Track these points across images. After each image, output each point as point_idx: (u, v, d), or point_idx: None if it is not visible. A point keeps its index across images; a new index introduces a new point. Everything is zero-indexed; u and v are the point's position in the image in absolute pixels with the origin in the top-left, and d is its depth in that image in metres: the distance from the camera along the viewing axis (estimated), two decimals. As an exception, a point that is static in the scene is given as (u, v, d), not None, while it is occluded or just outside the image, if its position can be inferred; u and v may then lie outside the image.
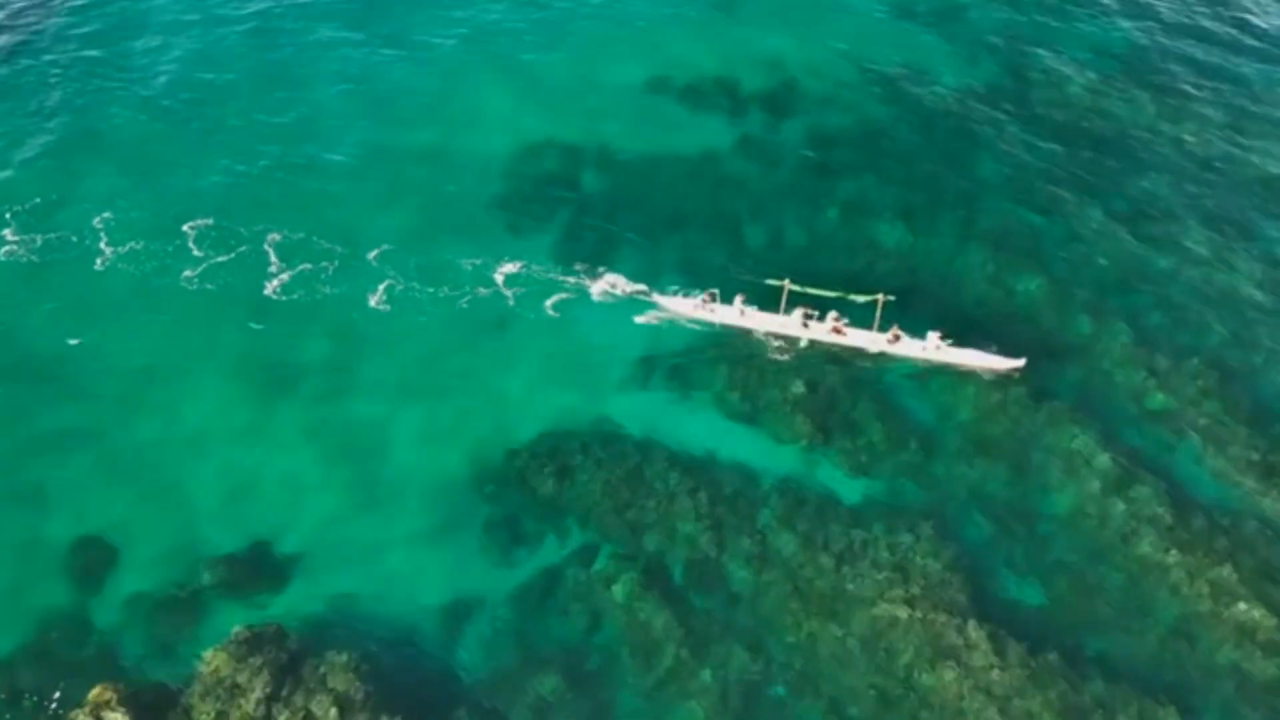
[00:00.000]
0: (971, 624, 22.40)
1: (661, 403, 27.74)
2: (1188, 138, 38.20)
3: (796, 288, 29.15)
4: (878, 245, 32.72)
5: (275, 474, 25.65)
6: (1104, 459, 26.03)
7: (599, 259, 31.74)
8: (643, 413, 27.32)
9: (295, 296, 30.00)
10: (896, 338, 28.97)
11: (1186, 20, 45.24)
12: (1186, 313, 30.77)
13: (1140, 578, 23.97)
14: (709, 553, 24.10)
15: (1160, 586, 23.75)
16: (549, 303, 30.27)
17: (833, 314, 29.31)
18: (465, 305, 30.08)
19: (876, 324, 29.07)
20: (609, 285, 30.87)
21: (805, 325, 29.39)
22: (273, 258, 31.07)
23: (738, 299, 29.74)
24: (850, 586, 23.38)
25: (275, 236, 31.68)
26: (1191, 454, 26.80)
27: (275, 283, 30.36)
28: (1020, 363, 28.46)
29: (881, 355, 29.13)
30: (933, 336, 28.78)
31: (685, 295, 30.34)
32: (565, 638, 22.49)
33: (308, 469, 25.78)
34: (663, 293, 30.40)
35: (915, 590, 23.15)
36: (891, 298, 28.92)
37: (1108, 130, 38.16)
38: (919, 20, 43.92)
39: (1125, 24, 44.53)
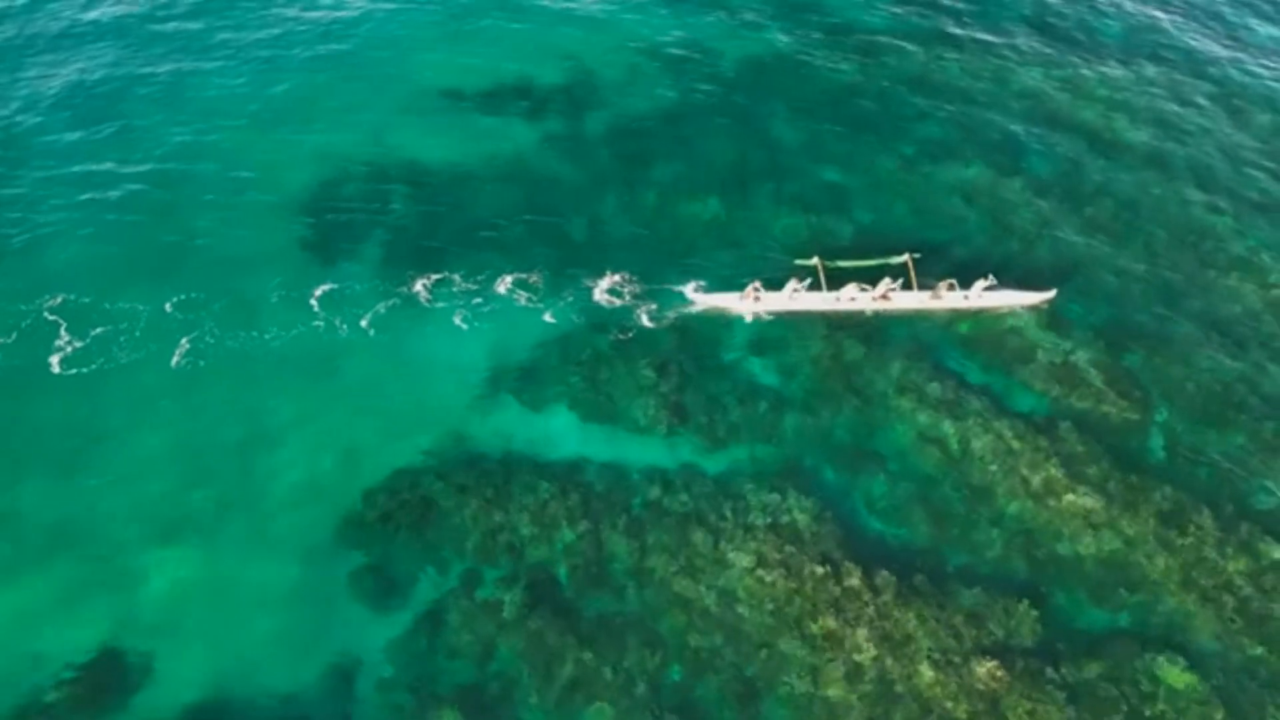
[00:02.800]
0: (845, 568, 23.70)
1: (517, 412, 27.37)
2: (956, 78, 41.27)
3: (829, 263, 29.88)
4: (698, 223, 33.54)
5: (105, 568, 23.43)
6: (932, 388, 28.00)
7: (423, 269, 30.81)
8: (500, 426, 26.88)
9: (90, 369, 27.34)
10: (940, 294, 30.13)
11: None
12: (980, 242, 33.39)
13: (980, 490, 25.97)
14: (590, 554, 24.16)
15: (998, 494, 25.83)
16: (377, 323, 29.12)
17: (886, 280, 30.06)
18: (282, 344, 28.35)
19: (915, 283, 30.16)
20: (430, 287, 29.96)
21: (854, 300, 30.01)
22: (61, 330, 28.20)
23: (790, 283, 29.98)
24: (730, 556, 24.09)
25: (55, 302, 28.79)
26: (1004, 370, 29.19)
27: (59, 357, 27.50)
28: (1052, 293, 30.43)
29: (925, 311, 30.39)
30: (978, 285, 30.15)
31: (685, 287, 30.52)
32: (461, 671, 21.96)
33: (141, 557, 23.69)
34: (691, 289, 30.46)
35: (790, 547, 24.17)
36: (918, 255, 30.24)
37: (887, 80, 40.68)
38: (706, 5, 45.08)
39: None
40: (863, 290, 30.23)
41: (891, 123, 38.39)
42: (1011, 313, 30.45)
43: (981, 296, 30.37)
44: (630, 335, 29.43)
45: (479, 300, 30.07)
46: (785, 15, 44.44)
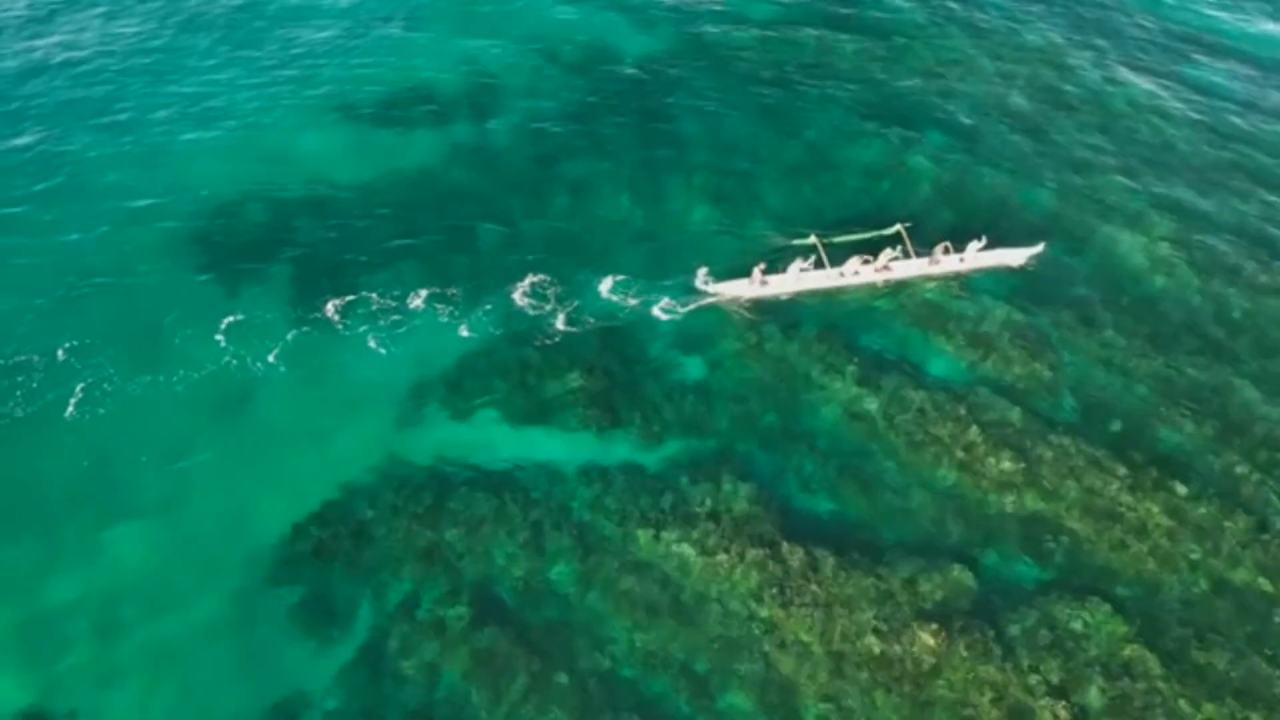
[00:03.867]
0: (785, 549, 24.07)
1: (445, 428, 26.96)
2: (850, 59, 42.20)
3: (825, 240, 30.58)
4: (612, 220, 33.59)
5: (28, 622, 22.36)
6: (852, 367, 28.62)
7: (334, 291, 30.09)
8: (429, 444, 26.43)
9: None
10: (938, 259, 31.07)
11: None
12: (889, 216, 33.90)
13: (908, 461, 26.64)
14: (532, 562, 23.98)
15: (926, 462, 26.55)
16: (289, 353, 28.22)
17: (887, 251, 30.84)
18: (188, 385, 27.18)
19: (913, 251, 31.11)
20: (342, 310, 29.24)
21: (857, 273, 30.64)
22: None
23: (795, 264, 30.43)
24: (672, 549, 24.20)
25: (-57, 362, 27.24)
26: (920, 342, 29.99)
27: None
28: (1040, 248, 31.72)
29: (925, 276, 31.40)
30: (972, 246, 31.27)
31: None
32: (409, 697, 21.51)
33: (66, 614, 22.62)
34: (710, 280, 30.66)
35: (730, 534, 24.42)
36: (909, 224, 31.17)
37: (784, 67, 41.38)
38: (601, 2, 45.18)
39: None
40: (865, 263, 30.94)
41: (793, 108, 39.06)
42: (926, 285, 31.30)
43: (977, 257, 31.46)
44: (554, 339, 29.26)
45: (396, 318, 29.48)
46: (680, 10, 44.79)
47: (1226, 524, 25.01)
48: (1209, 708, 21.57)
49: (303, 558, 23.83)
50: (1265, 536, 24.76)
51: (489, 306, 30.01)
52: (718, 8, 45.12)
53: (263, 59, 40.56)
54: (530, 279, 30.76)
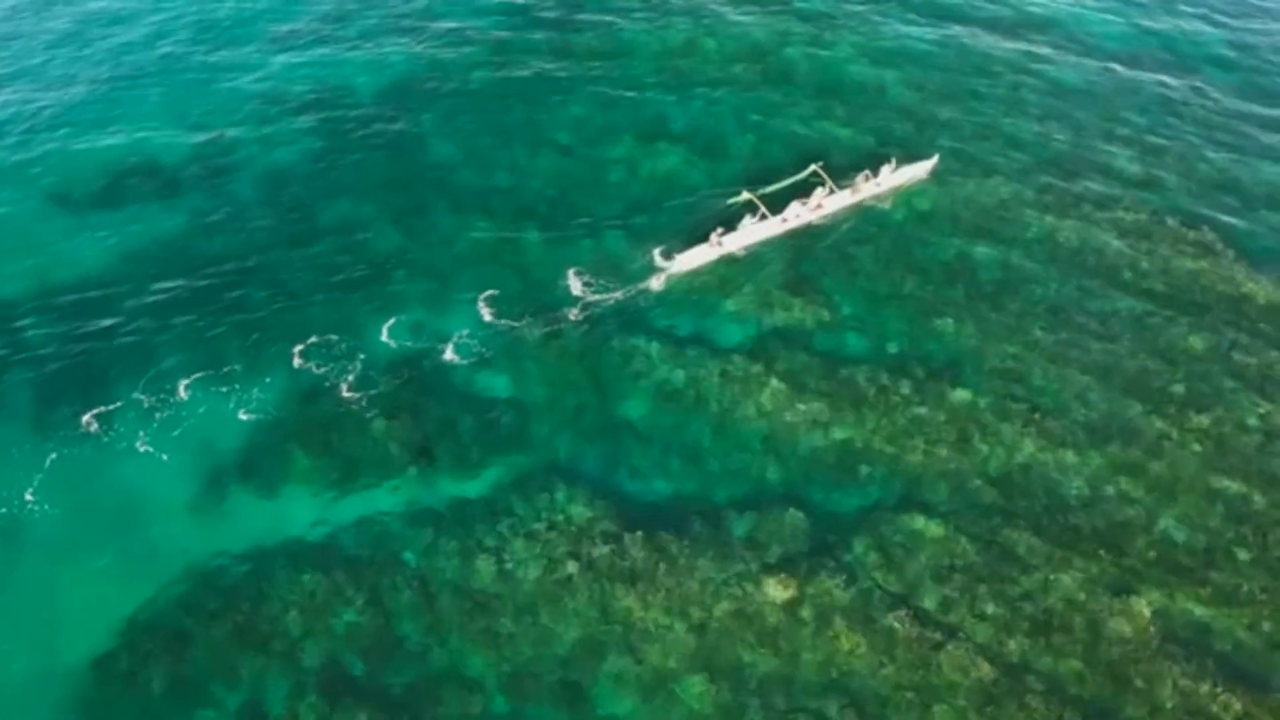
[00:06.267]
0: (627, 540, 24.33)
1: (248, 513, 25.10)
2: (585, 59, 42.95)
3: (756, 194, 32.10)
4: (382, 258, 32.53)
5: None
6: (654, 348, 29.35)
7: (88, 402, 27.37)
8: (235, 536, 24.51)
9: None
10: (859, 188, 33.75)
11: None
12: (660, 212, 34.87)
13: (722, 426, 27.58)
14: (376, 626, 22.84)
15: (740, 417, 27.62)
16: (49, 482, 25.31)
17: (820, 191, 33.61)
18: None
19: (834, 185, 34.07)
20: (102, 419, 26.69)
21: (799, 215, 32.76)
22: None
23: (746, 220, 32.54)
24: (520, 572, 23.83)
25: None
26: (708, 313, 31.03)
27: None
28: (935, 158, 35.91)
29: (857, 205, 34.45)
30: (885, 169, 34.88)
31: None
32: (274, 805, 20.02)
33: None
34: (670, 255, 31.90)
35: (573, 540, 24.38)
36: (821, 162, 33.82)
37: (523, 79, 41.48)
38: (318, 38, 43.55)
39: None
40: (803, 204, 33.32)
41: (540, 116, 39.30)
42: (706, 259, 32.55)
43: (891, 177, 34.93)
44: (349, 393, 27.93)
45: (168, 414, 27.02)
46: (405, 38, 43.96)
47: (1005, 416, 27.72)
48: (1025, 582, 23.88)
49: (116, 693, 21.44)
50: (1037, 416, 27.71)
51: (269, 377, 28.19)
52: (444, 31, 44.61)
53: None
54: (311, 339, 29.20)
